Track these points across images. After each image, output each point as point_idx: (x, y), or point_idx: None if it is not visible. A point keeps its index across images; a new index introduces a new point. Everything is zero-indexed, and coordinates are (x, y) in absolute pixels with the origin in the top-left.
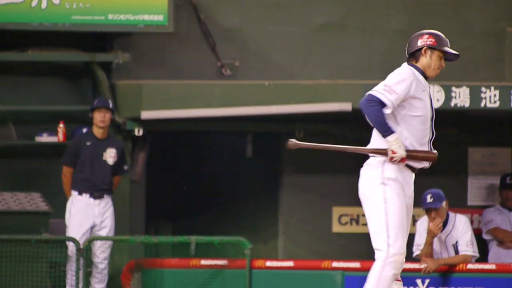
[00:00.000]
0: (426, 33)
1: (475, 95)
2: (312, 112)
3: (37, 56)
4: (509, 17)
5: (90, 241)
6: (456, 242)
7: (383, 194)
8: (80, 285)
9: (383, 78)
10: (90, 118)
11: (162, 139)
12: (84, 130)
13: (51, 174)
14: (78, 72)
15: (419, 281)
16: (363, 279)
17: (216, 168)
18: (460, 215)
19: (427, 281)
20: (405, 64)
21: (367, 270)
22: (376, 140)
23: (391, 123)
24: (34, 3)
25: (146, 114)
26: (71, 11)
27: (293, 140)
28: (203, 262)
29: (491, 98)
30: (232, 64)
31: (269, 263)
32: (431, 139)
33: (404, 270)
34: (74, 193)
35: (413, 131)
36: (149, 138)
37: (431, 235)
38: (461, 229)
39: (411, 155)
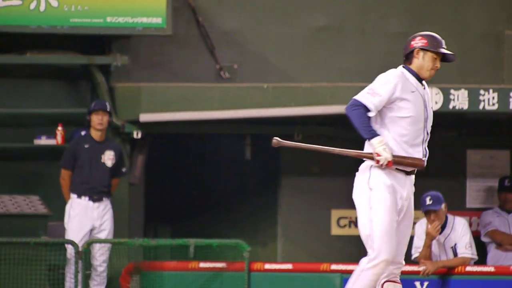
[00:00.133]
0: (420, 35)
1: (473, 97)
2: (311, 115)
3: (35, 59)
4: (508, 20)
5: (89, 244)
6: (455, 244)
7: (368, 200)
8: (79, 287)
9: None
10: (88, 120)
11: (161, 142)
12: (83, 133)
13: (49, 177)
14: (77, 75)
15: (417, 283)
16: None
17: (215, 170)
18: (458, 217)
19: (425, 283)
20: (399, 67)
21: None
22: (368, 144)
23: (378, 126)
24: (32, 6)
25: (144, 117)
26: (70, 14)
27: (277, 138)
28: (202, 264)
29: (489, 101)
30: (231, 67)
31: (267, 266)
32: (425, 140)
33: (403, 272)
34: (73, 196)
35: (403, 133)
36: (148, 141)
37: (429, 237)
38: (459, 232)
39: (397, 160)
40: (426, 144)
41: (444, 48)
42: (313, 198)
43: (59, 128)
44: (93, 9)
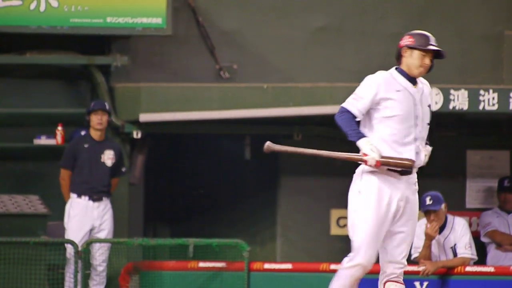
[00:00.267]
0: (408, 34)
1: (473, 98)
2: (310, 115)
3: (35, 59)
4: (507, 20)
5: (88, 244)
6: (455, 244)
7: (355, 204)
8: (79, 287)
9: None
10: (87, 121)
11: (161, 142)
12: (82, 133)
13: (49, 176)
14: (77, 75)
15: (417, 284)
16: (361, 282)
17: (214, 170)
18: (458, 217)
19: (425, 283)
20: (392, 68)
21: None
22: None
23: (367, 130)
24: (32, 6)
25: (144, 117)
26: (70, 14)
27: (268, 143)
28: (201, 264)
29: (489, 101)
30: (231, 67)
31: (267, 266)
32: (418, 138)
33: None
34: (73, 196)
35: (391, 133)
36: (148, 141)
37: (428, 238)
38: (459, 232)
39: (385, 161)
40: (421, 142)
41: (432, 44)
42: (312, 198)
43: (59, 128)
44: (93, 9)
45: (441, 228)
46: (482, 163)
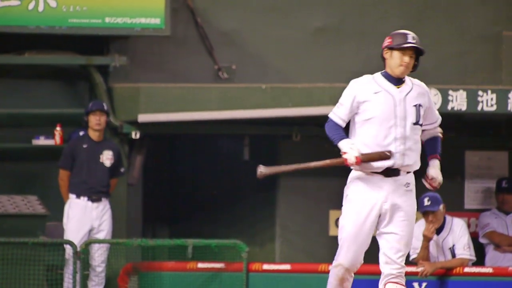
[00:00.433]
0: (388, 36)
1: (472, 98)
2: (309, 116)
3: (34, 59)
4: (506, 21)
5: (87, 244)
6: (453, 245)
7: (343, 208)
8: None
9: None
10: (86, 121)
11: (159, 142)
12: (81, 133)
13: (48, 177)
14: (75, 75)
15: (416, 284)
16: (360, 283)
17: (213, 171)
18: (456, 218)
19: (424, 284)
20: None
21: (363, 273)
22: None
23: (352, 135)
24: (31, 6)
25: (143, 117)
26: (68, 14)
27: (261, 167)
28: (200, 265)
29: (488, 102)
30: (229, 67)
31: (266, 266)
32: (399, 137)
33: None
34: (72, 196)
35: (370, 135)
36: (146, 141)
37: (425, 239)
38: (457, 233)
39: (364, 157)
40: (403, 142)
41: (409, 42)
42: (311, 199)
43: (58, 128)
44: (91, 9)
45: (440, 229)
46: (481, 163)
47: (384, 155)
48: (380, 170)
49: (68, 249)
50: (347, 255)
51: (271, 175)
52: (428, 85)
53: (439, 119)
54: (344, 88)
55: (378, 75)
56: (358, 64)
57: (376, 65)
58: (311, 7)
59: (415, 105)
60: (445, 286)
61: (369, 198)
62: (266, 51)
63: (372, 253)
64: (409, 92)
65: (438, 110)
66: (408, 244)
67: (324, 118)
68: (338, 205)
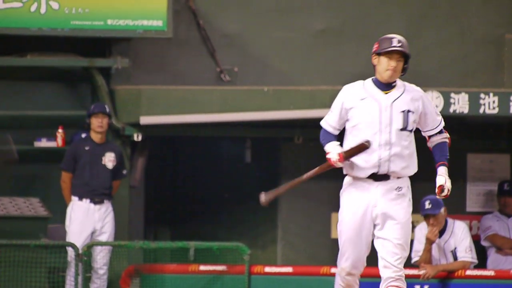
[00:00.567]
0: (376, 42)
1: (474, 101)
2: (311, 118)
3: (36, 61)
4: (508, 24)
5: (89, 247)
6: (455, 248)
7: (338, 214)
8: None
9: None
10: (88, 123)
11: (161, 145)
12: (83, 135)
13: (50, 179)
14: (77, 77)
15: (417, 287)
16: (362, 285)
17: (215, 173)
18: (458, 221)
19: (426, 287)
20: None
21: (365, 276)
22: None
23: (344, 141)
24: (33, 8)
25: (145, 120)
26: (70, 16)
27: (262, 195)
28: (202, 267)
29: (490, 105)
30: (231, 69)
31: (268, 269)
32: (384, 144)
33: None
34: (74, 199)
35: (356, 142)
36: (148, 144)
37: (428, 242)
38: (459, 236)
39: (346, 153)
40: (387, 148)
41: (393, 46)
42: (313, 202)
43: (60, 130)
44: (93, 11)
45: (441, 232)
46: (483, 166)
47: (363, 146)
48: (365, 177)
49: (70, 252)
50: (347, 259)
51: (272, 199)
52: (430, 88)
53: (441, 124)
54: None
55: (368, 81)
56: (360, 67)
57: None
58: (313, 9)
59: (403, 111)
60: None
61: (359, 203)
62: (268, 53)
63: (375, 256)
64: (398, 97)
65: (440, 113)
66: (405, 247)
67: None
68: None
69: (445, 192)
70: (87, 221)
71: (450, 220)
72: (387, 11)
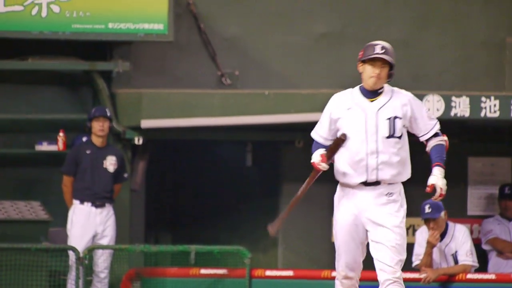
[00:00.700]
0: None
1: (475, 105)
2: (312, 122)
3: (37, 65)
4: (509, 27)
5: (90, 250)
6: (456, 252)
7: (333, 219)
8: None
9: None
10: (89, 127)
11: (162, 148)
12: (84, 139)
13: (50, 182)
14: (78, 81)
15: None
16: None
17: (216, 177)
18: (459, 225)
19: None
20: None
21: (365, 279)
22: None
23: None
24: (34, 12)
25: (146, 123)
26: (71, 20)
27: (269, 227)
28: (203, 271)
29: (491, 108)
30: (232, 73)
31: (268, 273)
32: (372, 152)
33: (404, 280)
34: (76, 202)
35: (344, 151)
36: (149, 147)
37: (429, 246)
38: (460, 239)
39: (327, 153)
40: (376, 157)
41: (375, 53)
42: (313, 205)
43: (61, 134)
44: (95, 15)
45: (442, 236)
46: (484, 170)
47: (339, 140)
48: (354, 185)
49: (71, 255)
50: (342, 263)
51: (280, 227)
52: (431, 92)
53: (435, 127)
54: None
55: (356, 89)
56: None
57: None
58: (314, 13)
59: (389, 118)
60: None
61: (349, 208)
62: (269, 57)
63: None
64: (384, 104)
65: (441, 116)
66: (399, 249)
67: None
68: None
69: (438, 192)
70: (88, 224)
71: (451, 224)
72: (388, 15)
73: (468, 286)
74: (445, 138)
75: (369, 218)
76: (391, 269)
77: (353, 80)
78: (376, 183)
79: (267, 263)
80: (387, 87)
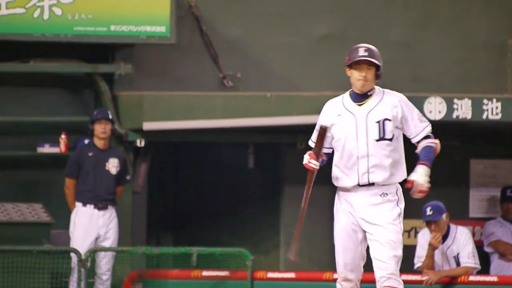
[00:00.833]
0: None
1: (477, 107)
2: (313, 124)
3: (39, 67)
4: (511, 29)
5: (92, 252)
6: (458, 254)
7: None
8: None
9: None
10: (91, 129)
11: (164, 150)
12: (86, 141)
13: (52, 185)
14: (80, 83)
15: None
16: None
17: (217, 179)
18: (461, 227)
19: None
20: None
21: (368, 281)
22: None
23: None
24: (36, 14)
25: (148, 125)
26: (73, 22)
27: (289, 255)
28: (205, 273)
29: (493, 110)
30: (234, 75)
31: (270, 275)
32: (364, 156)
33: (406, 282)
34: (78, 205)
35: (337, 157)
36: (151, 149)
37: (431, 248)
38: (462, 241)
39: (314, 149)
40: (367, 160)
41: (359, 56)
42: (315, 207)
43: (63, 136)
44: (96, 17)
45: (444, 238)
46: (486, 172)
47: (320, 132)
48: (349, 187)
49: (73, 257)
50: (342, 265)
51: (297, 249)
52: (432, 93)
53: (425, 130)
54: None
55: (346, 95)
56: None
57: None
58: (315, 15)
59: (378, 121)
60: None
61: (346, 209)
62: (271, 59)
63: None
64: (373, 107)
65: (443, 118)
66: (394, 246)
67: None
68: None
69: (417, 189)
70: (91, 227)
71: (452, 226)
72: (389, 17)
73: None
74: (436, 141)
75: (363, 218)
76: (385, 265)
77: None
78: (370, 184)
79: (268, 265)
80: (378, 89)
